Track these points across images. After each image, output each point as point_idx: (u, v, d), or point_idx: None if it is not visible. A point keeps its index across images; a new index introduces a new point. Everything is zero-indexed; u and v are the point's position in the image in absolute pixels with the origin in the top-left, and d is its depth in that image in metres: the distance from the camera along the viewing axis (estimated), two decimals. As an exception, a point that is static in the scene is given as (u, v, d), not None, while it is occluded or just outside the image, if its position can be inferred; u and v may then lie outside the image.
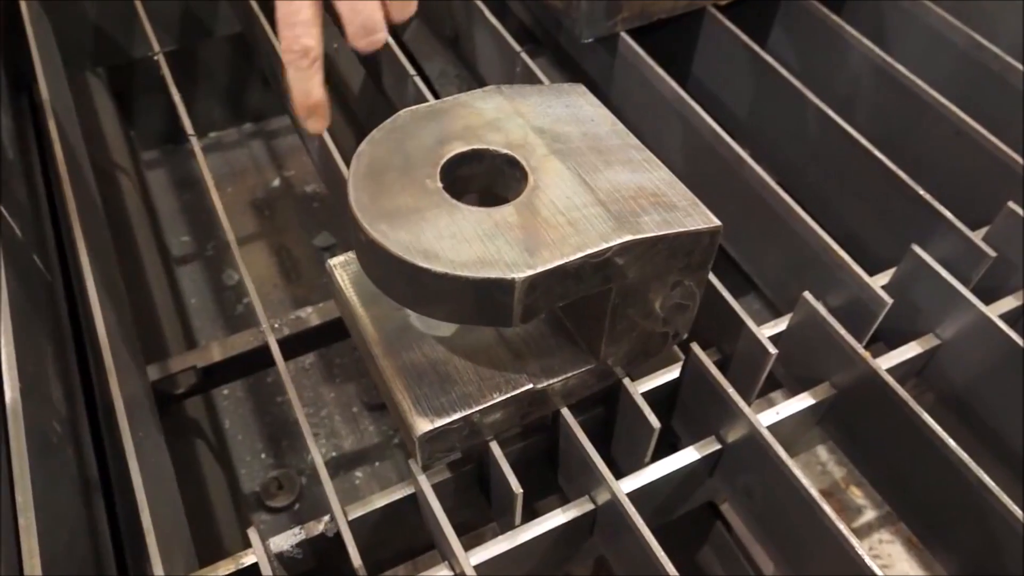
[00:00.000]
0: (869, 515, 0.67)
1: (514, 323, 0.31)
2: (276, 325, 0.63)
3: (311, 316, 0.63)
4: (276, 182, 1.14)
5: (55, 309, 0.56)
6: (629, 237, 0.31)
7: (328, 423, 0.90)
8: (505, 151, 0.34)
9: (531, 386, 0.36)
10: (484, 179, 0.34)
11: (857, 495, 0.67)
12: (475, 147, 0.34)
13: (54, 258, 0.60)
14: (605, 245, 0.31)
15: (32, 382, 0.44)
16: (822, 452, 0.69)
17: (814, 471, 0.68)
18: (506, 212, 0.31)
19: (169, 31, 0.76)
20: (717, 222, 0.34)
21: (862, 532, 0.66)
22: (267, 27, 0.59)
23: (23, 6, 0.60)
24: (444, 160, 0.33)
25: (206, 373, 0.61)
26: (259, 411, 0.91)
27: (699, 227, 0.33)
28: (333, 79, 1.00)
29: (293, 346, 0.67)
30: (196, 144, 0.49)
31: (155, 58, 0.56)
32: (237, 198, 1.10)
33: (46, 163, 0.71)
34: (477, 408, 0.35)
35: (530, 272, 0.29)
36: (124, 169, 0.94)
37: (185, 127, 0.50)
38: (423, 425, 0.34)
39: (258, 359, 0.62)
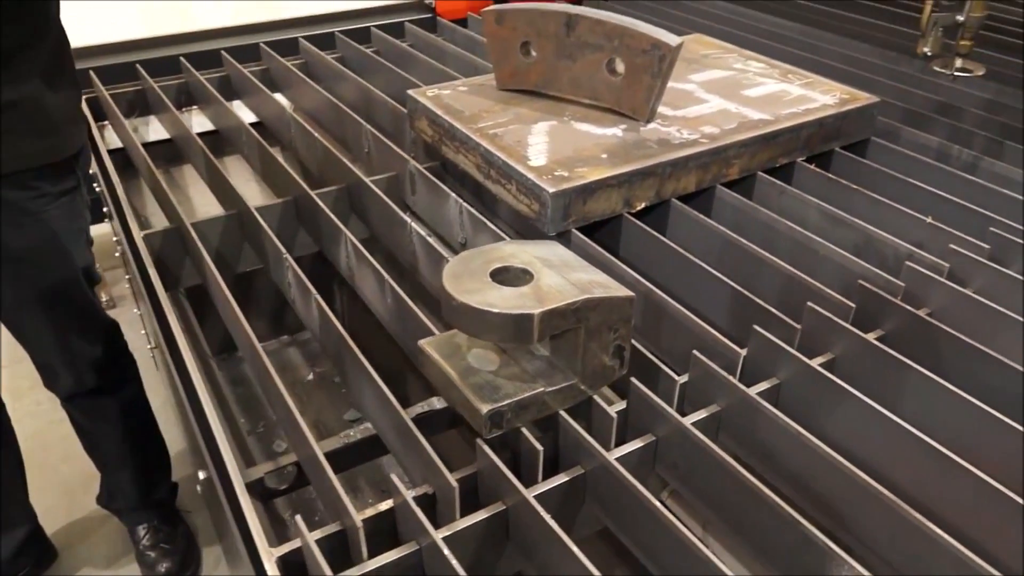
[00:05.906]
0: None
1: (534, 341, 0.60)
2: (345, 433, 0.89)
3: (357, 432, 0.89)
4: (310, 376, 1.43)
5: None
6: (587, 296, 0.62)
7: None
8: (521, 266, 0.66)
9: (541, 390, 0.64)
10: (511, 280, 0.66)
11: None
12: (506, 264, 0.66)
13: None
14: (575, 299, 0.61)
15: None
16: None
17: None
18: (525, 289, 0.63)
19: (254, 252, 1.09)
20: (632, 294, 0.65)
21: None
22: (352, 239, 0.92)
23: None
24: (491, 270, 0.65)
25: (299, 467, 0.86)
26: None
27: (621, 295, 0.64)
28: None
29: (349, 457, 0.92)
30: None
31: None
32: (281, 388, 1.38)
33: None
34: (512, 400, 0.63)
35: (541, 310, 0.60)
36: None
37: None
38: (485, 407, 0.62)
39: (345, 457, 0.87)
